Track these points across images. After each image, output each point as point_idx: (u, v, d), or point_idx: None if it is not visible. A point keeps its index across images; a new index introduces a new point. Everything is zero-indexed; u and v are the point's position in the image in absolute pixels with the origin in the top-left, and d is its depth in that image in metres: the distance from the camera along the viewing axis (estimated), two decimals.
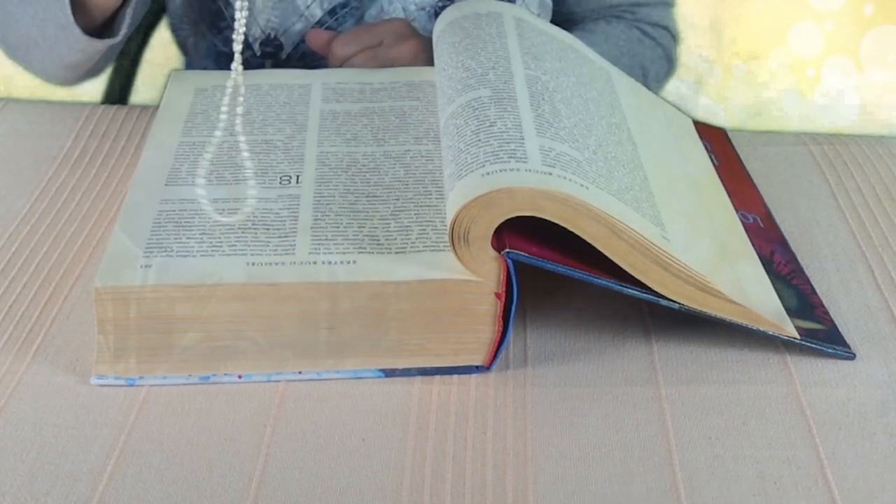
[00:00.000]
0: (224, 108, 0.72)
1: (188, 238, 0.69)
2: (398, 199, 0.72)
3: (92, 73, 0.96)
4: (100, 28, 0.91)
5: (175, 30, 1.09)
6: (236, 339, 0.67)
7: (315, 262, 0.67)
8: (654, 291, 0.67)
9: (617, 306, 0.73)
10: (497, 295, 0.66)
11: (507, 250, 0.65)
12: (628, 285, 0.67)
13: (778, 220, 0.83)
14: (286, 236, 0.69)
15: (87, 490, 0.60)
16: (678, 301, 0.67)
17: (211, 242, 0.68)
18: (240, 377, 0.68)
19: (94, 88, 1.12)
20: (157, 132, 0.81)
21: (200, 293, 0.65)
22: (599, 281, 0.66)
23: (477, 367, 0.69)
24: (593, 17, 1.10)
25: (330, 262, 0.67)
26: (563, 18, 1.08)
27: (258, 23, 0.99)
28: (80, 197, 0.85)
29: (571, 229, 0.65)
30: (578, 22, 1.09)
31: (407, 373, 0.68)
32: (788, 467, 0.62)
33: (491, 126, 0.70)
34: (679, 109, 0.94)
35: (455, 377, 0.68)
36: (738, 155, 0.91)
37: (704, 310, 0.68)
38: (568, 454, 0.63)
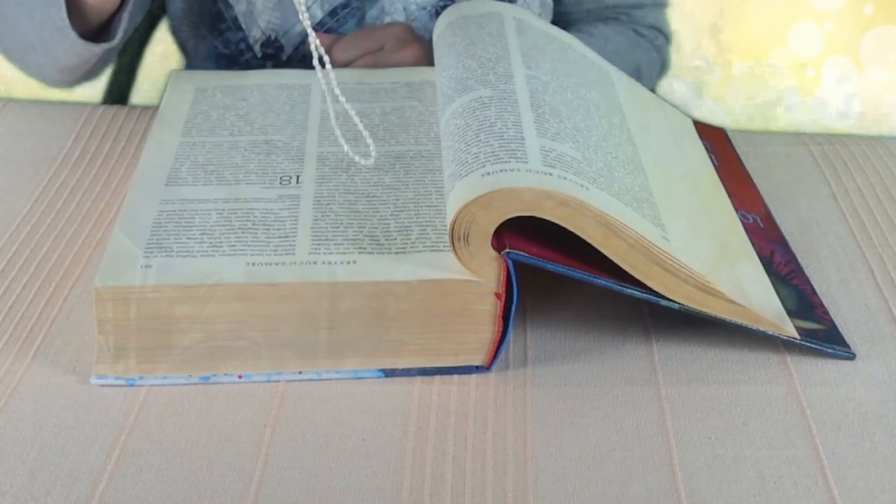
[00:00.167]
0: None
1: (188, 238, 0.69)
2: (398, 199, 0.72)
3: (90, 75, 0.96)
4: (96, 32, 0.91)
5: (175, 32, 1.09)
6: (236, 339, 0.67)
7: (315, 262, 0.67)
8: (654, 291, 0.67)
9: (617, 306, 0.73)
10: (497, 295, 0.66)
11: (507, 250, 0.65)
12: (628, 285, 0.67)
13: (778, 220, 0.83)
14: (286, 236, 0.69)
15: (87, 490, 0.60)
16: (678, 301, 0.67)
17: (211, 242, 0.68)
18: (240, 377, 0.68)
19: (94, 88, 1.12)
20: (157, 132, 0.81)
21: (200, 293, 0.65)
22: (599, 281, 0.66)
23: (477, 367, 0.69)
24: (589, 19, 1.10)
25: (330, 262, 0.67)
26: (559, 19, 1.08)
27: (258, 24, 0.99)
28: (80, 197, 0.85)
29: (571, 229, 0.65)
30: (574, 23, 1.09)
31: (407, 373, 0.68)
32: (788, 467, 0.62)
33: (491, 126, 0.70)
34: (679, 109, 0.94)
35: (455, 377, 0.68)
36: (738, 155, 0.91)
37: (704, 310, 0.68)
38: (568, 454, 0.63)
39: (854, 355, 0.70)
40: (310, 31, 0.73)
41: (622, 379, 0.68)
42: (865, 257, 0.80)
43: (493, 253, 0.65)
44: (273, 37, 0.99)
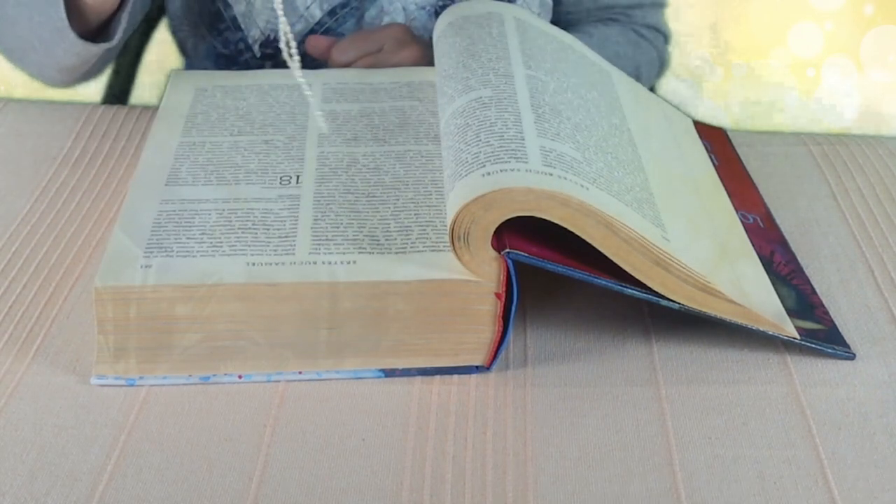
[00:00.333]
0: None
1: (188, 238, 0.69)
2: (398, 199, 0.72)
3: (89, 75, 0.96)
4: (95, 32, 0.91)
5: (175, 31, 1.09)
6: (236, 339, 0.67)
7: (315, 262, 0.67)
8: (654, 291, 0.67)
9: (617, 306, 0.73)
10: (497, 295, 0.66)
11: (507, 250, 0.65)
12: (628, 285, 0.67)
13: (778, 220, 0.83)
14: (286, 236, 0.69)
15: (87, 490, 0.60)
16: (678, 301, 0.67)
17: (211, 242, 0.68)
18: (240, 377, 0.68)
19: (94, 89, 1.12)
20: (157, 132, 0.81)
21: (200, 293, 0.65)
22: (599, 281, 0.66)
23: (477, 367, 0.69)
24: (589, 20, 1.10)
25: (330, 262, 0.67)
26: (559, 19, 1.08)
27: (258, 24, 0.99)
28: (80, 197, 0.85)
29: (571, 229, 0.65)
30: (574, 24, 1.09)
31: (407, 373, 0.68)
32: (788, 467, 0.62)
33: (491, 126, 0.70)
34: (679, 109, 0.94)
35: (455, 377, 0.68)
36: (738, 155, 0.91)
37: (704, 310, 0.68)
38: (568, 454, 0.63)
39: (854, 355, 0.70)
40: (280, 11, 0.73)
41: (622, 379, 0.68)
42: (865, 257, 0.80)
43: (493, 253, 0.65)
44: (272, 36, 0.99)
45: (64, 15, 0.85)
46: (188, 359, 0.67)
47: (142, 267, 0.66)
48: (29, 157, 0.91)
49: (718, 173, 0.84)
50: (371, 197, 0.73)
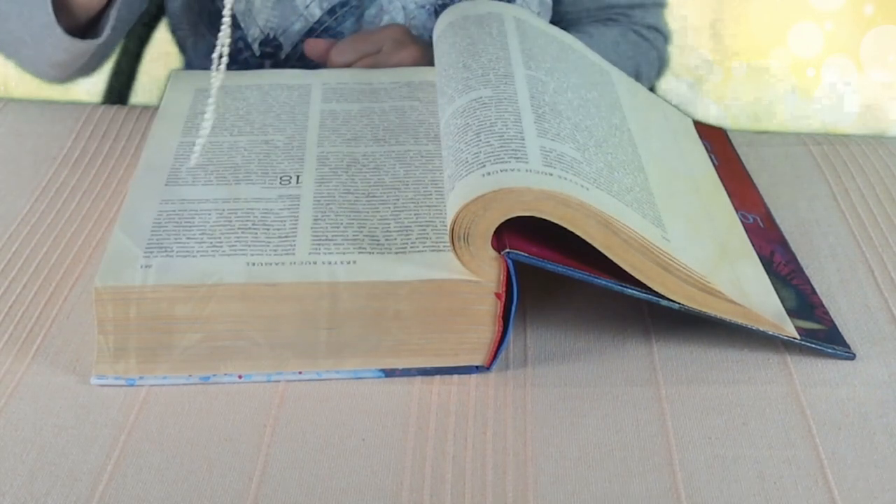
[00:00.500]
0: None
1: (188, 238, 0.69)
2: (398, 199, 0.72)
3: (84, 71, 0.96)
4: (85, 28, 0.91)
5: (174, 30, 1.09)
6: (236, 339, 0.67)
7: (315, 262, 0.67)
8: (654, 291, 0.67)
9: (617, 306, 0.73)
10: (497, 295, 0.66)
11: (507, 250, 0.65)
12: (628, 285, 0.67)
13: (778, 220, 0.83)
14: (286, 236, 0.69)
15: (87, 490, 0.60)
16: (678, 301, 0.67)
17: (211, 242, 0.68)
18: (240, 377, 0.68)
19: (94, 88, 1.12)
20: (157, 132, 0.81)
21: (200, 293, 0.65)
22: (599, 281, 0.66)
23: (477, 367, 0.69)
24: (589, 20, 1.10)
25: (330, 262, 0.67)
26: (559, 19, 1.08)
27: (257, 23, 0.99)
28: (80, 197, 0.85)
29: (571, 229, 0.65)
30: (574, 24, 1.09)
31: (407, 373, 0.68)
32: (788, 467, 0.62)
33: (491, 126, 0.70)
34: (679, 109, 0.94)
35: (455, 377, 0.68)
36: (738, 155, 0.91)
37: (704, 310, 0.68)
38: (568, 454, 0.63)
39: (854, 355, 0.70)
40: None
41: (622, 379, 0.68)
42: (865, 257, 0.80)
43: (493, 253, 0.65)
44: (271, 35, 0.99)
45: (51, 10, 0.85)
46: (188, 359, 0.67)
47: (142, 267, 0.66)
48: (29, 157, 0.91)
49: (718, 173, 0.84)
50: (371, 197, 0.73)
